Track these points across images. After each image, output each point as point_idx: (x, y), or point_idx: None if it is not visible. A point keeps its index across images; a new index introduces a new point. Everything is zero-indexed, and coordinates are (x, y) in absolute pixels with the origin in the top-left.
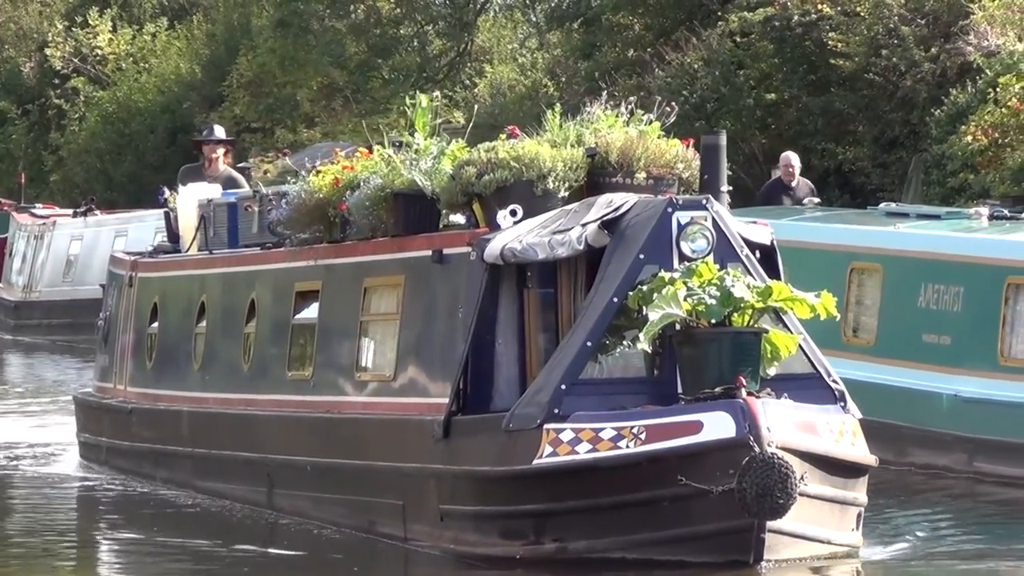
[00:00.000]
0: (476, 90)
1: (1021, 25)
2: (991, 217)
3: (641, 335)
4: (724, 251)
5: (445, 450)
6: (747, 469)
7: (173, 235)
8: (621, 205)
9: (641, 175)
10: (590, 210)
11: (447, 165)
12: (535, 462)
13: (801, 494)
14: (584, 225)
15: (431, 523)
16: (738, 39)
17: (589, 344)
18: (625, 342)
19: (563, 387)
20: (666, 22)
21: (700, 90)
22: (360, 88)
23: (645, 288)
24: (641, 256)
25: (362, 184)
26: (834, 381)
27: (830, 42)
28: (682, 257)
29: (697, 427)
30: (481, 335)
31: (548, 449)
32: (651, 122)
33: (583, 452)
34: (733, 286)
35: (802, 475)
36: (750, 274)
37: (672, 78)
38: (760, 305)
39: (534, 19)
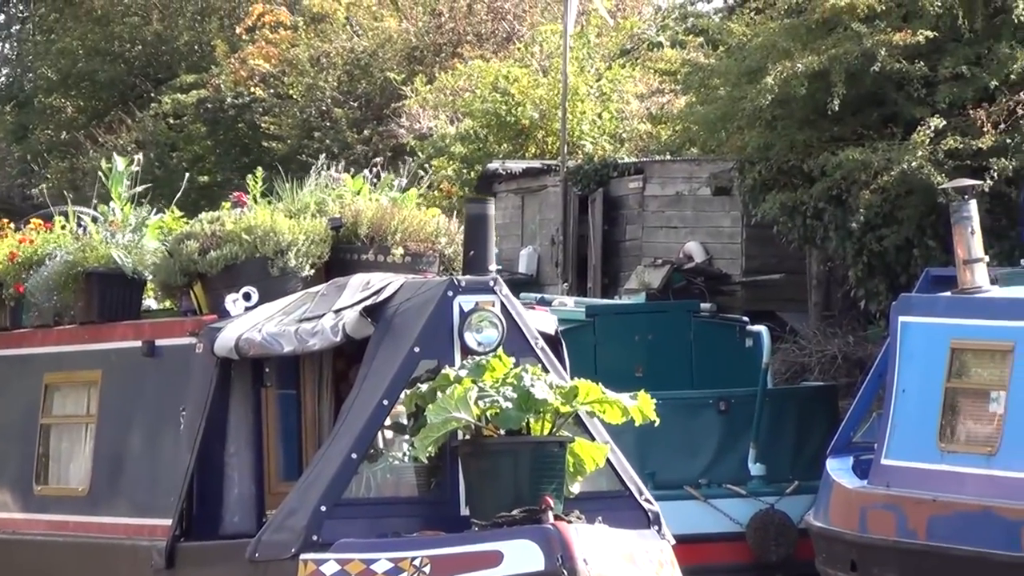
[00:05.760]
0: None
1: (453, 108)
2: None
3: (417, 443)
4: (516, 343)
5: None
6: None
7: None
8: (384, 287)
9: (397, 251)
10: (342, 293)
11: (152, 239)
12: None
13: None
14: (338, 311)
15: None
16: (172, 121)
17: (354, 456)
18: (398, 453)
19: (323, 508)
20: (100, 104)
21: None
22: None
23: (424, 387)
24: (416, 349)
25: (46, 260)
26: (647, 500)
27: (263, 124)
28: (466, 350)
29: (495, 558)
30: (210, 443)
31: None
32: (405, 189)
33: None
34: (533, 386)
35: None
36: (546, 370)
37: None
38: (565, 409)
39: None
